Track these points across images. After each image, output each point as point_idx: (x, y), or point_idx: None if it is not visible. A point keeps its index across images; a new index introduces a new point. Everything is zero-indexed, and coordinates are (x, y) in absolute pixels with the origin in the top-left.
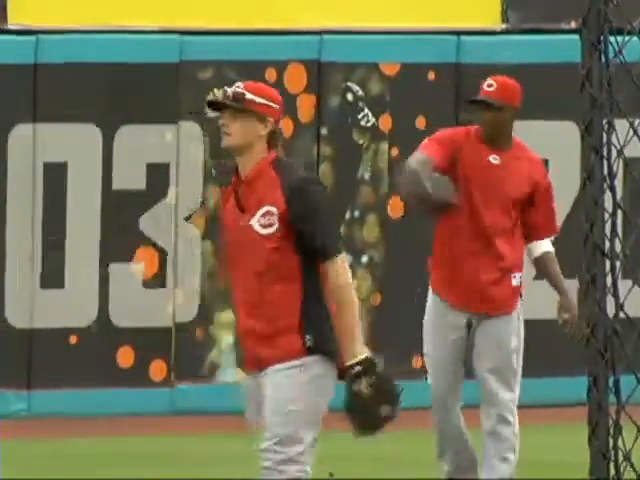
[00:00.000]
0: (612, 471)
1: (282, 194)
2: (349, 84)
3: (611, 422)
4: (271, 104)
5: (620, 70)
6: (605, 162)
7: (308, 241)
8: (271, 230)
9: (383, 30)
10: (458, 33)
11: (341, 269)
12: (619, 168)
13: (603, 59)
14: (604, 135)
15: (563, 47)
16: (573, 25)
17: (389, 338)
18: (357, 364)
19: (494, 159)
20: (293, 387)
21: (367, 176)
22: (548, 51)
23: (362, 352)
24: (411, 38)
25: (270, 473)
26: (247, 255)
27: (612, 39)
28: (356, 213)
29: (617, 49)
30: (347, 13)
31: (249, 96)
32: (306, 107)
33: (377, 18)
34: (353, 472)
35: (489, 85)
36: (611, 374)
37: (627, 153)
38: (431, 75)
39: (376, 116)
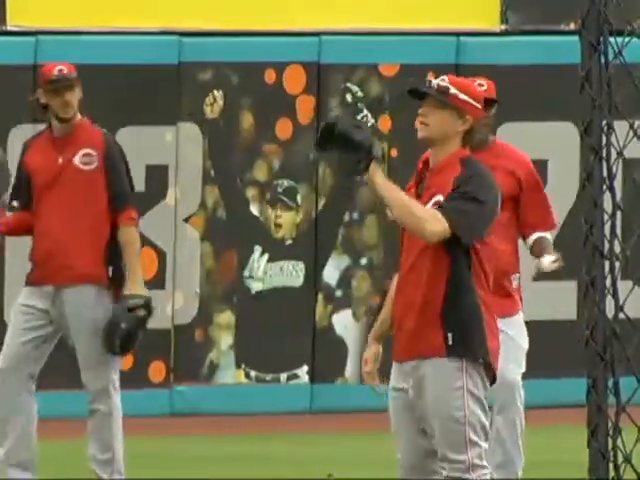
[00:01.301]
0: (612, 472)
1: (452, 184)
2: (348, 85)
3: (610, 424)
4: (473, 102)
5: (620, 71)
6: (604, 163)
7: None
8: None
9: (382, 31)
10: (457, 34)
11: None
12: (618, 169)
13: (603, 60)
14: (603, 136)
15: (563, 48)
16: (572, 26)
17: (386, 339)
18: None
19: None
20: (454, 393)
21: (366, 178)
22: (547, 52)
23: None
24: (410, 39)
25: None
26: (415, 242)
27: (612, 40)
28: (355, 215)
29: (617, 50)
30: (346, 14)
31: (453, 90)
32: (305, 108)
33: (376, 19)
34: (353, 473)
35: (481, 85)
36: (610, 376)
37: (627, 154)
38: (430, 76)
39: (375, 117)
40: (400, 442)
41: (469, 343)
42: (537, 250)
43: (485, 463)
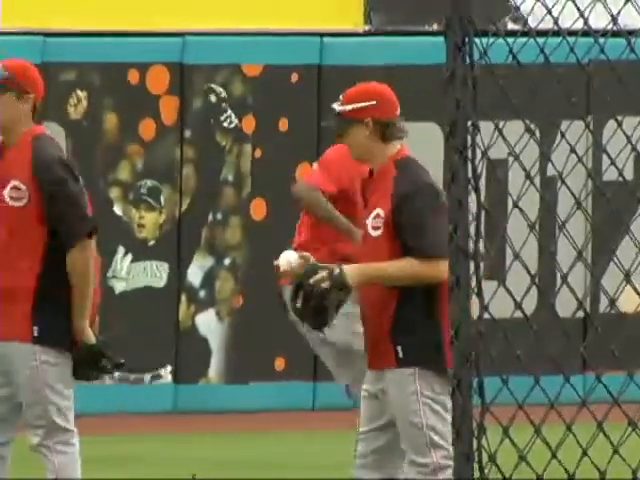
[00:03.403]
0: (477, 473)
1: (390, 201)
2: (212, 86)
3: (475, 424)
4: (361, 105)
5: (485, 72)
6: (469, 164)
7: (408, 240)
8: (379, 232)
9: (245, 32)
10: (321, 34)
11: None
12: (483, 169)
13: (467, 61)
14: (468, 137)
15: (426, 49)
16: (436, 27)
17: (250, 339)
18: None
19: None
20: (409, 398)
21: (230, 178)
22: (411, 53)
23: None
24: (274, 39)
25: None
26: (368, 254)
27: (477, 40)
28: (219, 215)
29: (482, 51)
30: (209, 15)
31: (340, 108)
32: (169, 109)
33: (239, 20)
34: (217, 474)
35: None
36: (475, 376)
37: (491, 155)
38: (294, 77)
39: (239, 118)
40: (361, 437)
41: (419, 353)
42: None
43: (452, 462)
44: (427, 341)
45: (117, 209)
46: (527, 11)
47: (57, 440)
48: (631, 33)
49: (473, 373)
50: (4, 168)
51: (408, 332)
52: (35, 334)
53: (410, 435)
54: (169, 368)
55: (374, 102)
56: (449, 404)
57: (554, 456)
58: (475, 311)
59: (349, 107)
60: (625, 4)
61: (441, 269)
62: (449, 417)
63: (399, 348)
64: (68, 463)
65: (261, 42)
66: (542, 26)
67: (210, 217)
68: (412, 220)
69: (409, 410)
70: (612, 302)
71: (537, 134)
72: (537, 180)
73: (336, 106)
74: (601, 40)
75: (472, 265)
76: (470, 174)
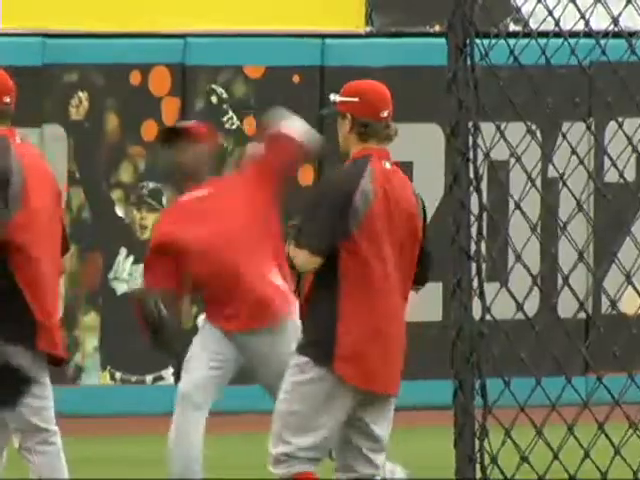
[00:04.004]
0: (479, 474)
1: None
2: (213, 87)
3: (477, 425)
4: (347, 99)
5: (486, 73)
6: (471, 165)
7: None
8: None
9: (247, 33)
10: (323, 36)
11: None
12: (485, 171)
13: (469, 62)
14: (470, 138)
15: (428, 50)
16: (437, 28)
17: None
18: None
19: None
20: (286, 386)
21: None
22: (413, 54)
23: None
24: (275, 41)
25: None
26: None
27: (478, 42)
28: None
29: (483, 52)
30: (211, 16)
31: (332, 98)
32: (171, 110)
33: (241, 21)
34: (222, 474)
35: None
36: (477, 377)
37: (493, 156)
38: (296, 78)
39: (240, 119)
40: None
41: (314, 346)
42: None
43: (290, 462)
44: (317, 336)
45: (119, 210)
46: (528, 12)
47: (36, 441)
48: (632, 35)
49: (475, 375)
50: None
51: (310, 323)
52: None
53: (272, 420)
54: (171, 370)
55: (356, 99)
56: (328, 410)
57: (556, 457)
58: (477, 312)
59: (338, 99)
60: (626, 5)
61: (303, 258)
62: (317, 420)
63: (302, 335)
64: (49, 463)
65: (263, 43)
66: (543, 27)
67: None
68: (305, 210)
69: (280, 398)
70: (613, 303)
71: (538, 135)
72: (538, 182)
73: (332, 95)
74: (602, 41)
75: (474, 266)
76: (472, 175)
